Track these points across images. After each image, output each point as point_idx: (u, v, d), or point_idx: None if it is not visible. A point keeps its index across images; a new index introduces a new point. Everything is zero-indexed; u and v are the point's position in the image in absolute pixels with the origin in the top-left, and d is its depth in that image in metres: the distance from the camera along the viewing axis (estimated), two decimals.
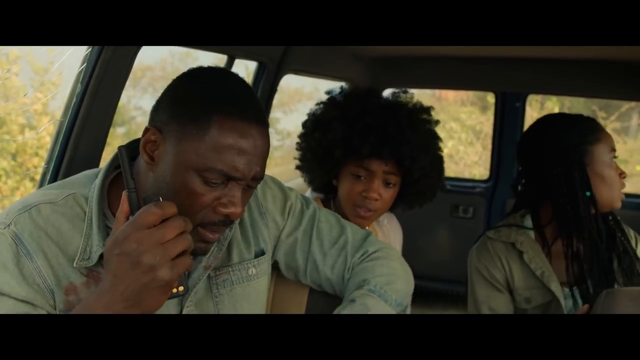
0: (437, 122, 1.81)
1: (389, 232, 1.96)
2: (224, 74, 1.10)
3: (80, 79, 1.38)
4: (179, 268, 0.92)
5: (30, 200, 1.06)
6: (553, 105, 7.04)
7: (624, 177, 1.63)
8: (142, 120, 6.39)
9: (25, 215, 1.04)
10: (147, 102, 6.56)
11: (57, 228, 1.05)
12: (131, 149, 1.09)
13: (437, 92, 7.54)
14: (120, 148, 0.99)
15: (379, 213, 1.76)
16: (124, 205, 0.97)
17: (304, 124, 1.84)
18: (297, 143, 1.86)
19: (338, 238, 1.32)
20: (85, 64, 1.38)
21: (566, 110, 6.75)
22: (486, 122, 7.37)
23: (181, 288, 0.99)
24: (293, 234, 1.31)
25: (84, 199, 1.09)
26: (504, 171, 3.56)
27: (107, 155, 1.17)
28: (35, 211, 1.04)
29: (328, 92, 1.85)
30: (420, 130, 1.72)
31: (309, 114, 1.85)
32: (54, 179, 1.40)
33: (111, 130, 1.51)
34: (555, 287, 1.65)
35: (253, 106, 1.07)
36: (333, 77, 3.15)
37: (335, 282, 1.31)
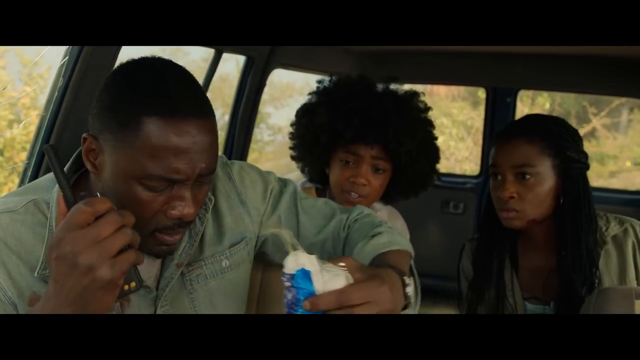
0: (427, 108, 1.79)
1: None
2: (153, 68, 1.01)
3: (62, 73, 1.35)
4: (121, 264, 0.87)
5: None
6: (544, 101, 7.05)
7: (505, 198, 1.56)
8: None
9: None
10: None
11: (17, 238, 1.01)
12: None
13: (428, 87, 7.53)
14: (46, 148, 0.93)
15: (370, 199, 1.74)
16: (60, 206, 0.93)
17: (296, 113, 1.85)
18: (290, 132, 1.87)
19: (325, 208, 1.30)
20: (67, 57, 1.35)
21: (556, 106, 6.76)
22: (477, 118, 7.36)
23: (133, 284, 0.93)
24: (275, 212, 1.28)
25: (45, 205, 1.05)
26: None
27: None
28: None
29: (319, 81, 1.85)
30: (406, 114, 1.70)
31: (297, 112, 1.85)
32: (35, 174, 1.38)
33: None
34: (515, 300, 1.63)
35: (189, 98, 0.98)
36: (323, 72, 3.13)
37: (330, 241, 1.26)
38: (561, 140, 1.57)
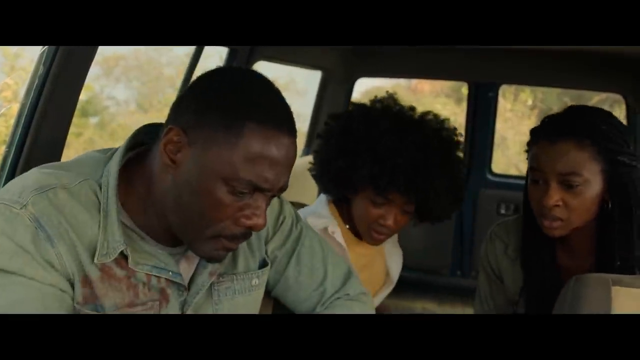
0: (459, 142, 1.75)
1: (384, 249, 1.91)
2: (253, 77, 1.06)
3: (43, 60, 1.34)
4: None
5: (44, 181, 1.00)
6: (526, 97, 7.11)
7: (550, 206, 1.45)
8: (115, 110, 6.29)
9: (44, 197, 0.97)
10: (120, 92, 6.47)
11: (74, 216, 0.99)
12: (132, 139, 1.07)
13: (412, 84, 7.58)
14: None
15: (392, 234, 1.74)
16: None
17: (325, 142, 1.73)
18: (315, 156, 1.77)
19: (319, 270, 1.30)
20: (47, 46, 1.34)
21: (538, 102, 6.82)
22: (461, 114, 7.39)
23: None
24: (274, 252, 1.28)
25: (97, 187, 1.03)
26: (477, 162, 3.57)
27: (79, 144, 1.14)
28: (52, 194, 0.98)
29: (353, 114, 1.73)
30: (449, 170, 1.66)
31: (330, 131, 1.73)
32: (14, 163, 1.36)
33: (83, 120, 1.48)
34: None
35: (285, 113, 1.04)
36: (306, 65, 3.14)
37: (303, 307, 1.30)
38: (612, 144, 1.42)
